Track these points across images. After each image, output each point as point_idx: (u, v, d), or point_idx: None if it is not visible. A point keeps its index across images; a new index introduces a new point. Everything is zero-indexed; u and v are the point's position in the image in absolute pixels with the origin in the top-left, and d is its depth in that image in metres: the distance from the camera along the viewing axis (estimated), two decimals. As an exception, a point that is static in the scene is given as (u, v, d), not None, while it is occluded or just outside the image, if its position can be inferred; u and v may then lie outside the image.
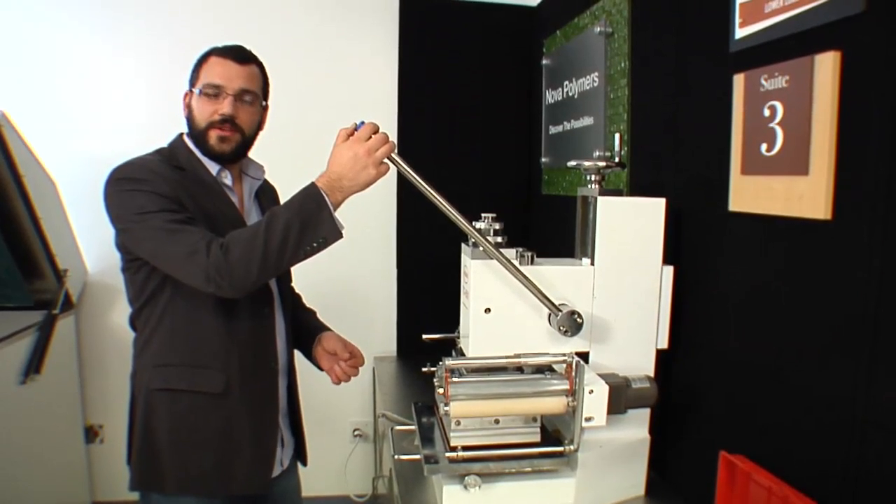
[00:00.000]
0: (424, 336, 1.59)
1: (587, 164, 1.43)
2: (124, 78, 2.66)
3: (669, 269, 1.43)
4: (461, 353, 1.46)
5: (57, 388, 2.48)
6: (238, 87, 1.44)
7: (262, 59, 1.51)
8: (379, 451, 2.72)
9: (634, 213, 1.40)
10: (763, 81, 1.20)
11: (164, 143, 1.51)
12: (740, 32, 1.26)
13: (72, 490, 2.63)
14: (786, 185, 1.15)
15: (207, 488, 1.44)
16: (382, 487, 2.56)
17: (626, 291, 1.41)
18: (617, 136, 1.56)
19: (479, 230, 1.30)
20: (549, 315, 1.34)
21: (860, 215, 1.02)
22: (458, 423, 1.34)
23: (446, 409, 1.27)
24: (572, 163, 1.50)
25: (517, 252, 1.35)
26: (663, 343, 1.46)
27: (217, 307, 1.41)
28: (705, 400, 1.44)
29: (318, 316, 1.81)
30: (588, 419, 1.27)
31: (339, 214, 1.33)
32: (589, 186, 1.44)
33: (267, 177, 1.64)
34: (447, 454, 1.33)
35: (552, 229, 2.50)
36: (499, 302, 1.36)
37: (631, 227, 1.40)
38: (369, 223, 2.80)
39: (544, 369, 1.37)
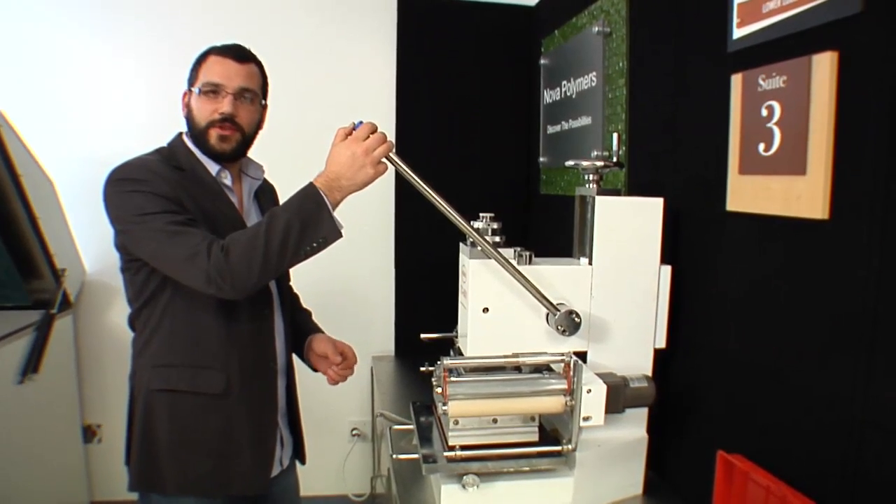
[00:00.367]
0: (423, 335, 1.59)
1: (585, 163, 1.44)
2: (123, 78, 2.66)
3: (667, 269, 1.44)
4: (459, 353, 1.46)
5: (55, 387, 2.48)
6: (238, 85, 1.43)
7: (261, 59, 1.51)
8: (377, 450, 2.73)
9: (632, 213, 1.40)
10: (761, 81, 1.20)
11: (164, 143, 1.50)
12: (738, 32, 1.26)
13: (70, 490, 2.62)
14: (783, 184, 1.15)
15: (207, 489, 1.44)
16: (381, 487, 2.56)
17: (624, 291, 1.41)
18: (615, 135, 1.56)
19: (477, 230, 1.30)
20: (548, 314, 1.35)
21: (858, 215, 1.02)
22: (457, 422, 1.34)
23: (444, 408, 1.27)
24: (570, 162, 1.50)
25: (515, 252, 1.35)
26: (661, 343, 1.46)
27: (217, 308, 1.41)
28: (703, 399, 1.44)
29: (316, 316, 1.81)
30: (586, 419, 1.27)
31: (338, 214, 1.33)
32: (587, 186, 1.44)
33: (266, 176, 1.64)
34: (445, 453, 1.33)
35: (550, 229, 2.50)
36: (497, 301, 1.36)
37: (629, 227, 1.40)
38: (368, 223, 2.80)
39: (542, 369, 1.37)
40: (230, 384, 1.43)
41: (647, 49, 1.71)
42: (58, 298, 2.44)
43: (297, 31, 2.74)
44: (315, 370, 1.71)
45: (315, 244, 1.31)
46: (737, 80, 1.27)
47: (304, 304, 1.85)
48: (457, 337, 1.51)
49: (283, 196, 1.39)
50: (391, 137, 1.33)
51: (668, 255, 1.45)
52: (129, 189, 1.34)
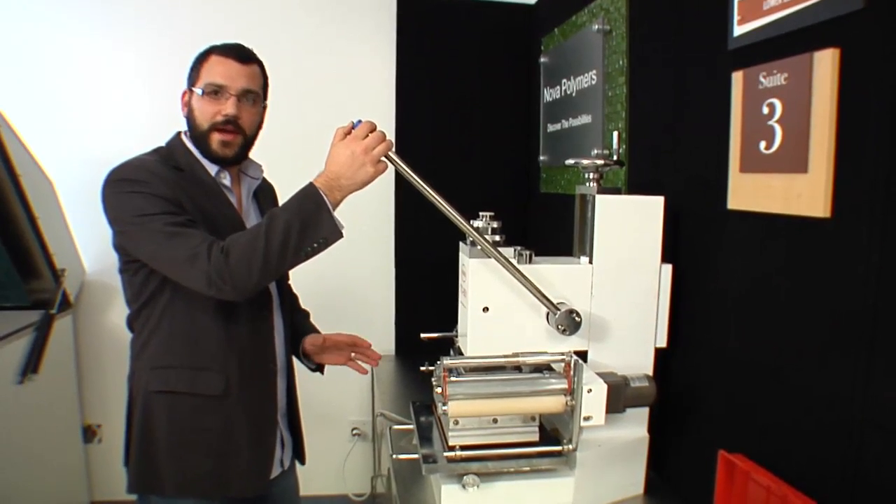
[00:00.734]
0: (422, 335, 1.59)
1: (585, 162, 1.43)
2: (122, 78, 2.65)
3: (668, 268, 1.43)
4: (459, 352, 1.46)
5: (55, 387, 2.48)
6: (241, 87, 1.42)
7: (261, 58, 1.50)
8: (377, 450, 2.72)
9: (633, 212, 1.40)
10: (762, 79, 1.19)
11: (163, 143, 1.50)
12: (739, 30, 1.26)
13: (70, 490, 2.62)
14: (784, 183, 1.14)
15: (206, 490, 1.44)
16: (381, 486, 2.56)
17: (624, 290, 1.41)
18: (615, 133, 1.56)
19: (476, 229, 1.30)
20: (548, 314, 1.34)
21: (859, 213, 1.01)
22: (457, 422, 1.33)
23: (444, 408, 1.26)
24: (570, 161, 1.49)
25: (515, 251, 1.34)
26: (662, 342, 1.46)
27: (216, 309, 1.40)
28: (704, 399, 1.44)
29: (316, 315, 1.81)
30: (587, 418, 1.26)
31: (338, 214, 1.33)
32: (587, 185, 1.43)
33: (267, 176, 1.63)
34: (445, 454, 1.32)
35: (551, 228, 2.49)
36: (497, 301, 1.35)
37: (629, 226, 1.39)
38: (368, 222, 2.80)
39: (543, 368, 1.36)
40: (229, 385, 1.43)
41: (647, 47, 1.70)
42: (57, 298, 2.44)
43: (295, 30, 2.74)
44: (313, 370, 1.70)
45: (316, 245, 1.30)
46: (737, 78, 1.26)
47: (304, 305, 1.84)
48: (457, 336, 1.51)
49: (283, 196, 1.39)
50: (391, 137, 1.33)
51: (669, 253, 1.44)
52: (127, 190, 1.33)
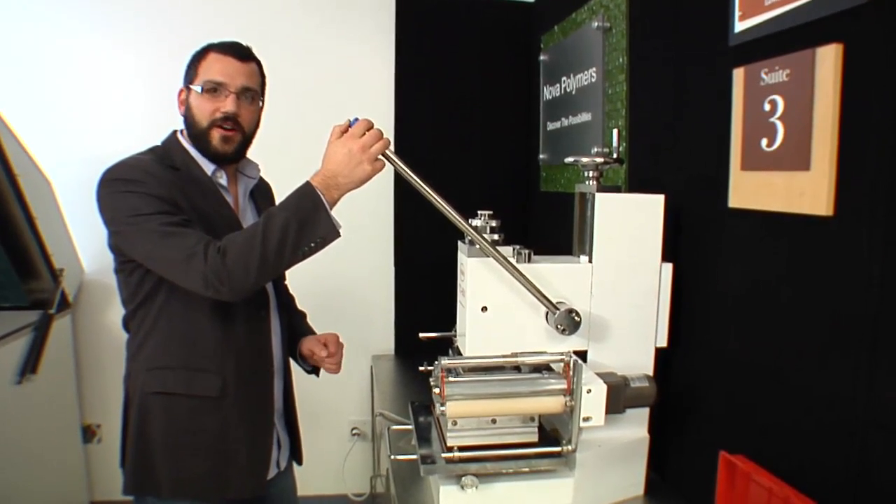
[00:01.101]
0: (421, 335, 1.58)
1: (584, 160, 1.42)
2: (120, 77, 2.65)
3: (668, 267, 1.42)
4: (458, 352, 1.45)
5: (53, 387, 2.47)
6: (240, 84, 1.42)
7: (260, 58, 1.49)
8: (377, 450, 2.71)
9: (633, 210, 1.38)
10: (763, 75, 1.18)
11: (160, 143, 1.49)
12: (740, 26, 1.24)
13: (69, 490, 2.61)
14: (786, 180, 1.13)
15: (203, 492, 1.43)
16: (380, 486, 2.55)
17: (624, 289, 1.39)
18: (615, 131, 1.54)
19: (475, 227, 1.29)
20: (547, 313, 1.33)
21: (862, 211, 1.00)
22: (455, 422, 1.32)
23: (442, 409, 1.25)
24: (570, 159, 1.48)
25: (514, 250, 1.33)
26: (662, 341, 1.44)
27: (213, 310, 1.39)
28: (705, 399, 1.43)
29: (315, 315, 1.80)
30: (586, 419, 1.25)
31: (337, 213, 1.31)
32: (587, 183, 1.42)
33: (266, 176, 1.62)
34: (443, 454, 1.31)
35: (551, 227, 2.48)
36: (496, 300, 1.34)
37: (629, 224, 1.38)
38: (367, 221, 2.79)
39: (542, 369, 1.35)
40: (226, 387, 1.42)
41: (647, 44, 1.69)
42: (56, 298, 2.43)
43: (294, 29, 2.73)
44: (309, 372, 1.69)
45: (313, 244, 1.29)
46: (738, 75, 1.25)
47: (303, 305, 1.83)
48: (455, 336, 1.50)
49: (282, 195, 1.37)
50: (390, 135, 1.32)
51: (670, 252, 1.43)
52: (122, 189, 1.32)
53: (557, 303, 1.32)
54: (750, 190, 1.24)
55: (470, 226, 1.28)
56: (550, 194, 2.47)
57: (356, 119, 1.30)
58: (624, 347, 1.41)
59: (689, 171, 1.49)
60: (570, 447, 1.28)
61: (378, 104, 2.69)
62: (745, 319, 1.28)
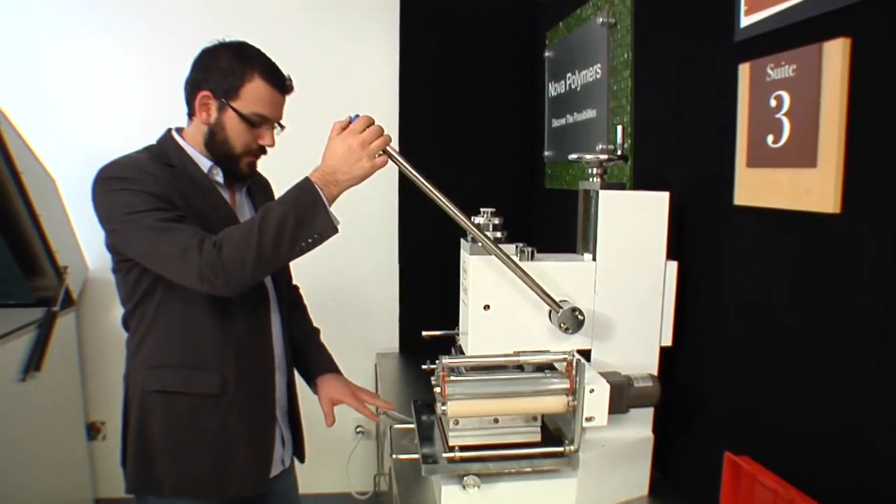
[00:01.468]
0: (424, 333, 1.57)
1: (588, 157, 1.40)
2: (124, 75, 2.65)
3: (673, 265, 1.40)
4: (461, 351, 1.44)
5: (57, 385, 2.48)
6: (280, 117, 1.44)
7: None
8: (380, 448, 2.71)
9: (637, 207, 1.37)
10: (769, 71, 1.16)
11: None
12: (746, 20, 1.22)
13: (74, 487, 2.62)
14: (793, 177, 1.11)
15: (204, 491, 1.42)
16: (384, 485, 2.54)
17: (628, 288, 1.38)
18: (619, 128, 1.53)
19: (477, 225, 1.27)
20: (550, 312, 1.32)
21: (870, 209, 0.98)
22: (457, 422, 1.31)
23: (443, 408, 1.24)
24: (573, 156, 1.46)
25: (517, 247, 1.32)
26: (667, 340, 1.43)
27: (212, 307, 1.38)
28: (711, 399, 1.41)
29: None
30: (589, 419, 1.24)
31: (342, 209, 1.30)
32: (591, 180, 1.41)
33: (268, 174, 1.61)
34: (444, 454, 1.30)
35: (556, 224, 2.46)
36: (498, 299, 1.33)
37: (634, 222, 1.36)
38: (371, 218, 2.78)
39: (545, 368, 1.34)
40: (226, 385, 1.41)
41: (652, 40, 1.67)
42: (60, 296, 2.44)
43: (298, 25, 2.72)
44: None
45: (310, 240, 1.28)
46: (744, 70, 1.23)
47: (308, 302, 1.82)
48: (458, 335, 1.49)
49: (281, 192, 1.36)
50: (394, 132, 1.31)
51: (674, 250, 1.41)
52: (116, 188, 1.30)
53: (561, 301, 1.30)
54: (755, 187, 1.22)
55: (472, 223, 1.26)
56: (555, 191, 2.45)
57: (357, 115, 1.29)
58: (628, 346, 1.40)
59: (693, 168, 1.47)
60: (572, 447, 1.27)
61: (382, 101, 2.68)
62: (751, 318, 1.27)
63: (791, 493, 1.07)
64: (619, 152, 1.43)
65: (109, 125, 2.62)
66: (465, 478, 1.28)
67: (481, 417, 1.31)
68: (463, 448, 1.31)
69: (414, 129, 2.64)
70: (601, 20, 1.88)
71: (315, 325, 1.79)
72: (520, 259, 1.30)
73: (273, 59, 1.44)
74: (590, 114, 2.04)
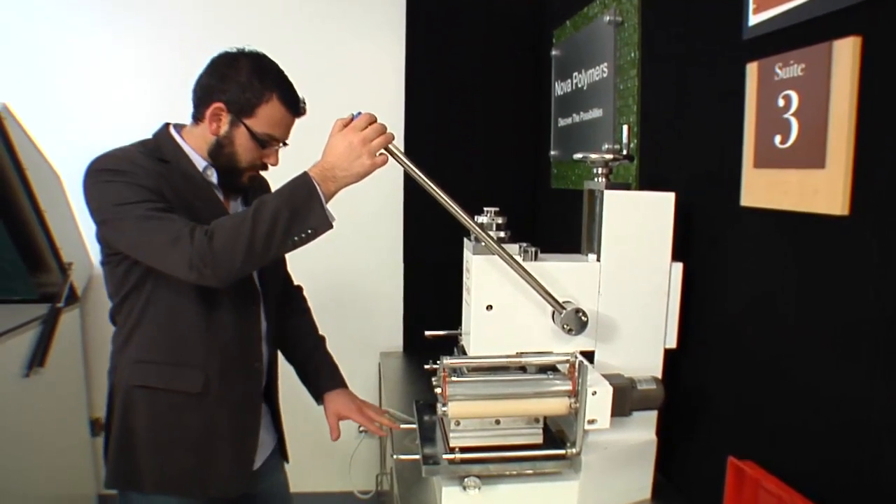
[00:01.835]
0: (427, 333, 1.56)
1: (594, 156, 1.39)
2: (129, 71, 2.65)
3: (678, 266, 1.38)
4: (463, 351, 1.43)
5: (61, 381, 2.48)
6: (287, 137, 1.44)
7: (268, 52, 1.45)
8: (383, 447, 2.70)
9: (643, 208, 1.35)
10: (777, 70, 1.14)
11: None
12: (754, 19, 1.21)
13: (77, 482, 2.62)
14: (800, 178, 1.10)
15: (185, 489, 1.41)
16: (386, 484, 2.54)
17: (633, 289, 1.36)
18: (625, 127, 1.51)
19: (480, 225, 1.26)
20: (553, 313, 1.30)
21: (879, 210, 0.96)
22: (458, 423, 1.30)
23: (444, 409, 1.23)
24: (578, 155, 1.45)
25: (520, 247, 1.30)
26: (672, 342, 1.41)
27: (199, 304, 1.37)
28: (715, 401, 1.39)
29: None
30: (591, 421, 1.23)
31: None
32: (596, 180, 1.39)
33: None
34: (445, 455, 1.29)
35: (562, 224, 2.45)
36: (501, 299, 1.31)
37: (639, 222, 1.35)
38: (376, 218, 2.77)
39: (547, 369, 1.32)
40: (209, 383, 1.39)
41: (659, 38, 1.65)
42: (64, 292, 2.44)
43: (302, 23, 2.71)
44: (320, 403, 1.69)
45: (304, 234, 1.26)
46: (752, 69, 1.21)
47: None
48: (461, 335, 1.48)
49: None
50: (399, 130, 1.29)
51: (680, 251, 1.39)
52: (108, 179, 1.28)
53: (564, 302, 1.29)
54: (763, 188, 1.20)
55: (475, 223, 1.25)
56: (561, 191, 2.44)
57: (359, 113, 1.28)
58: (632, 348, 1.38)
59: (699, 169, 1.46)
60: (574, 450, 1.26)
61: (385, 99, 2.67)
62: (757, 320, 1.25)
63: (796, 499, 1.05)
64: (624, 152, 1.42)
65: (114, 122, 2.62)
66: (465, 479, 1.27)
67: (483, 419, 1.30)
68: (464, 449, 1.30)
69: (418, 127, 2.63)
70: (608, 19, 1.86)
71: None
72: (523, 259, 1.28)
73: (278, 56, 1.43)
74: (596, 113, 2.02)
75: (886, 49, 0.94)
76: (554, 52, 2.44)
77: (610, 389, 1.23)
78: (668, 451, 1.50)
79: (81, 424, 2.67)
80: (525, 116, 2.72)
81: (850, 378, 1.02)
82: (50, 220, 2.29)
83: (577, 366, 1.23)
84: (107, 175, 1.29)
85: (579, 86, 2.17)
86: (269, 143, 1.40)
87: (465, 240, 1.37)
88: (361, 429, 2.93)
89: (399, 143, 1.29)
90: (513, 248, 1.28)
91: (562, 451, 1.28)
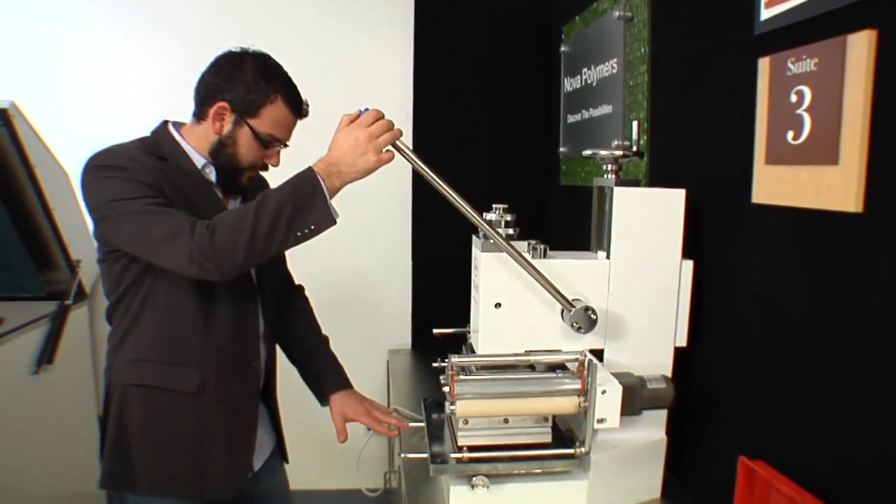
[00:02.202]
0: (435, 331, 1.55)
1: (603, 153, 1.38)
2: (137, 69, 2.65)
3: (689, 264, 1.37)
4: (471, 349, 1.42)
5: (70, 378, 2.48)
6: (289, 138, 1.44)
7: (274, 50, 1.44)
8: (391, 445, 2.70)
9: (653, 205, 1.34)
10: (790, 65, 1.12)
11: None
12: (766, 13, 1.19)
13: (86, 479, 2.62)
14: (813, 175, 1.08)
15: (181, 490, 1.39)
16: (394, 482, 2.53)
17: (643, 286, 1.35)
18: (635, 123, 1.50)
19: (489, 222, 1.25)
20: (563, 311, 1.29)
21: (893, 208, 0.95)
22: (466, 421, 1.29)
23: (452, 407, 1.22)
24: (588, 152, 1.44)
25: (529, 245, 1.29)
26: (682, 341, 1.40)
27: (197, 303, 1.36)
28: (726, 401, 1.38)
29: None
30: (600, 420, 1.22)
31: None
32: (605, 176, 1.38)
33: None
34: (453, 455, 1.28)
35: (571, 221, 2.44)
36: (510, 297, 1.30)
37: (649, 220, 1.34)
38: (385, 215, 2.77)
39: (556, 368, 1.31)
40: (205, 383, 1.38)
41: (669, 34, 1.63)
42: (73, 289, 2.44)
43: (310, 21, 2.71)
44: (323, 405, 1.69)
45: (307, 230, 1.25)
46: (764, 65, 1.20)
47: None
48: (469, 333, 1.47)
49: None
50: (408, 127, 1.28)
51: (690, 249, 1.38)
52: (105, 175, 1.27)
53: (573, 300, 1.28)
54: (774, 185, 1.19)
55: (484, 219, 1.24)
56: (570, 188, 2.43)
57: (366, 109, 1.27)
58: (642, 347, 1.37)
59: (710, 165, 1.44)
60: (583, 449, 1.25)
61: (393, 96, 2.66)
62: (768, 319, 1.24)
63: (808, 500, 1.04)
64: (634, 148, 1.41)
65: (122, 119, 2.61)
66: (473, 478, 1.26)
67: (491, 417, 1.30)
68: (472, 448, 1.29)
69: (427, 124, 2.62)
70: (618, 14, 1.85)
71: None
72: (532, 256, 1.28)
73: (285, 55, 1.43)
74: (606, 109, 2.01)
75: (902, 43, 0.93)
76: (563, 48, 2.43)
77: (620, 388, 1.22)
78: (678, 450, 1.48)
79: (90, 422, 2.67)
80: (534, 113, 2.71)
81: (861, 377, 1.01)
82: (58, 217, 2.30)
83: (586, 364, 1.22)
84: (104, 171, 1.28)
85: (588, 82, 2.16)
86: (271, 144, 1.40)
87: (474, 237, 1.36)
88: (369, 428, 2.94)
89: (407, 139, 1.28)
90: (521, 246, 1.27)
91: (571, 451, 1.27)
